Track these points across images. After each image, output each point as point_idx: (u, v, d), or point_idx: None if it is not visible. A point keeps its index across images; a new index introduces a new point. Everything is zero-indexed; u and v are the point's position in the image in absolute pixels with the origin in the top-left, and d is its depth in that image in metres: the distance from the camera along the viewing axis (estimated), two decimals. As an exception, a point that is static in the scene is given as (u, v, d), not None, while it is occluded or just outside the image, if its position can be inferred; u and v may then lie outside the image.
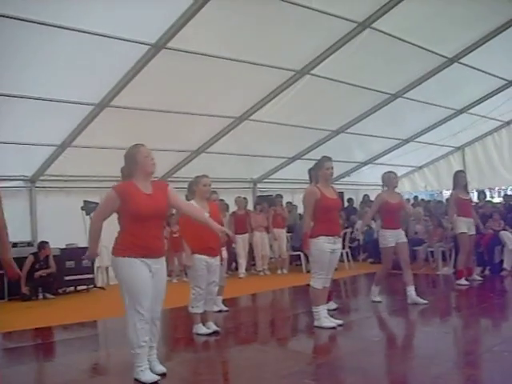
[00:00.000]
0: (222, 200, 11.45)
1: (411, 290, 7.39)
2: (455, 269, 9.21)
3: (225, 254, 7.18)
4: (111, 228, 4.51)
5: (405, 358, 5.02)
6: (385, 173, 7.89)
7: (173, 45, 7.62)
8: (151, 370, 4.32)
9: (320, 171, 6.13)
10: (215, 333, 6.00)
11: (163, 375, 4.36)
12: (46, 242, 9.75)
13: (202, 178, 6.08)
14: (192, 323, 6.08)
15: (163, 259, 4.44)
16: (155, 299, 4.32)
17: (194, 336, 5.91)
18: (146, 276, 4.25)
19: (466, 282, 8.77)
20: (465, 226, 8.86)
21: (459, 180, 9.07)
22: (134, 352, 4.27)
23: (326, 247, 5.95)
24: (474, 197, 14.59)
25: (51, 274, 9.68)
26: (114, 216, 4.37)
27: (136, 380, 4.27)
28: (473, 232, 8.99)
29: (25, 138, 8.95)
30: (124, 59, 7.76)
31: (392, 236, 7.43)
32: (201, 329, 6.00)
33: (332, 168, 6.11)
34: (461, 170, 9.52)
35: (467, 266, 9.13)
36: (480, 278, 9.20)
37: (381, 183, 7.95)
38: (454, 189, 9.18)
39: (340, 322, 6.11)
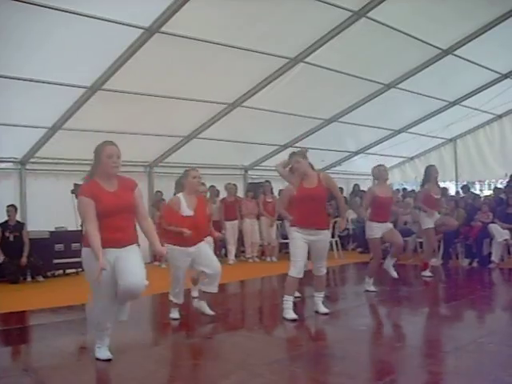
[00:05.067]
0: (213, 186, 11.45)
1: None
2: (443, 260, 9.25)
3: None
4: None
5: (391, 347, 5.04)
6: (374, 167, 7.85)
7: (167, 29, 7.56)
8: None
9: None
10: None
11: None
12: (13, 205, 9.74)
13: (191, 171, 5.97)
14: (180, 308, 6.11)
15: (130, 247, 4.30)
16: (121, 274, 4.19)
17: (182, 321, 5.91)
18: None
19: (430, 274, 8.85)
20: (431, 220, 8.84)
21: (431, 173, 8.95)
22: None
23: (298, 236, 5.92)
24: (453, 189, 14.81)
25: (34, 260, 9.64)
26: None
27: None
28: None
29: (16, 119, 8.89)
30: (117, 42, 7.69)
31: (378, 227, 7.49)
32: (172, 313, 6.07)
33: (297, 162, 6.04)
34: (433, 165, 9.45)
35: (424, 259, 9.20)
36: (430, 275, 8.91)
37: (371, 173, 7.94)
38: (424, 183, 9.03)
39: (295, 316, 5.90)
